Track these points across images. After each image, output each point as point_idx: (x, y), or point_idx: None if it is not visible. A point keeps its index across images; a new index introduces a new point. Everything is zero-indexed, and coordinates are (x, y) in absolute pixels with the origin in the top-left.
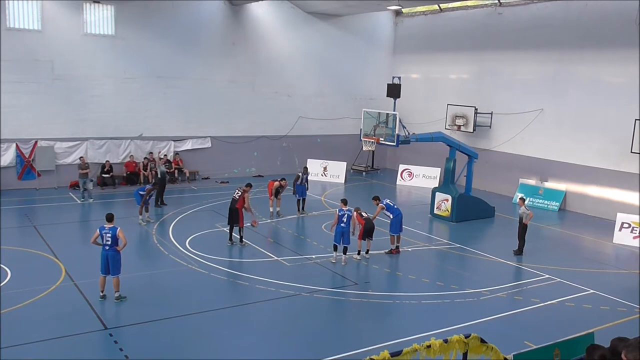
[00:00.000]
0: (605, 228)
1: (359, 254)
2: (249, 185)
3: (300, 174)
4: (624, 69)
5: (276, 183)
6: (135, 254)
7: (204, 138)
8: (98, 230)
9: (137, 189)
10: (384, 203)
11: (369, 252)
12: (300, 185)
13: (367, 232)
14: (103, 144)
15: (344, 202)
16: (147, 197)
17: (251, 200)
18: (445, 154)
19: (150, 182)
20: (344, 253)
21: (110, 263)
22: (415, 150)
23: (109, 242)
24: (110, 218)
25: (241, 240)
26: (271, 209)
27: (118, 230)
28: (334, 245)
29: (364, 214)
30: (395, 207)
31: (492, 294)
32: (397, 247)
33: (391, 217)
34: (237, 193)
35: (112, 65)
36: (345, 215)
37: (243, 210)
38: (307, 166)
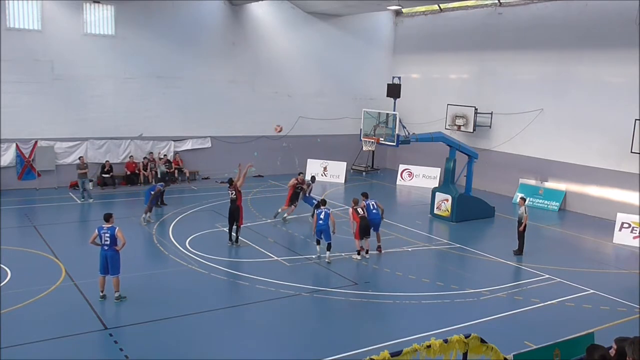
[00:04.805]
0: (605, 228)
1: (358, 253)
2: (231, 182)
3: (309, 181)
4: (624, 69)
5: (292, 180)
6: (135, 254)
7: (204, 138)
8: (97, 230)
9: (149, 188)
10: (367, 203)
11: (369, 252)
12: (309, 198)
13: (363, 230)
14: (103, 144)
15: (323, 202)
16: (154, 198)
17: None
18: (445, 154)
19: (150, 182)
20: (328, 250)
21: (110, 263)
22: (415, 150)
23: (108, 242)
24: (107, 218)
25: (237, 240)
26: (279, 210)
27: (117, 230)
28: (317, 239)
29: (360, 210)
30: (374, 211)
31: (492, 294)
32: (379, 247)
33: (365, 215)
34: (232, 194)
35: (112, 65)
36: (323, 213)
37: (243, 205)
38: (315, 175)
